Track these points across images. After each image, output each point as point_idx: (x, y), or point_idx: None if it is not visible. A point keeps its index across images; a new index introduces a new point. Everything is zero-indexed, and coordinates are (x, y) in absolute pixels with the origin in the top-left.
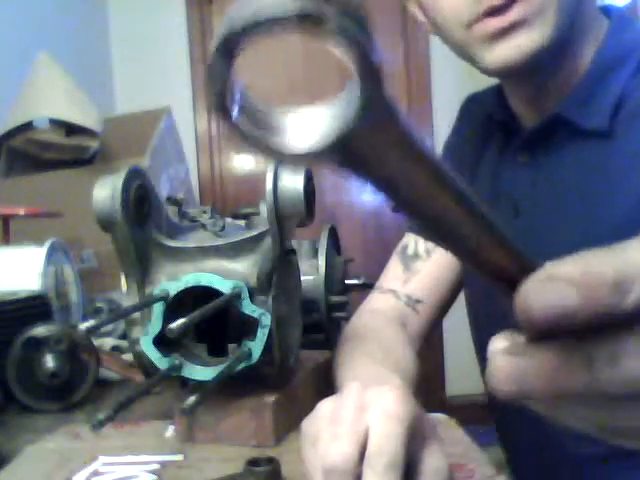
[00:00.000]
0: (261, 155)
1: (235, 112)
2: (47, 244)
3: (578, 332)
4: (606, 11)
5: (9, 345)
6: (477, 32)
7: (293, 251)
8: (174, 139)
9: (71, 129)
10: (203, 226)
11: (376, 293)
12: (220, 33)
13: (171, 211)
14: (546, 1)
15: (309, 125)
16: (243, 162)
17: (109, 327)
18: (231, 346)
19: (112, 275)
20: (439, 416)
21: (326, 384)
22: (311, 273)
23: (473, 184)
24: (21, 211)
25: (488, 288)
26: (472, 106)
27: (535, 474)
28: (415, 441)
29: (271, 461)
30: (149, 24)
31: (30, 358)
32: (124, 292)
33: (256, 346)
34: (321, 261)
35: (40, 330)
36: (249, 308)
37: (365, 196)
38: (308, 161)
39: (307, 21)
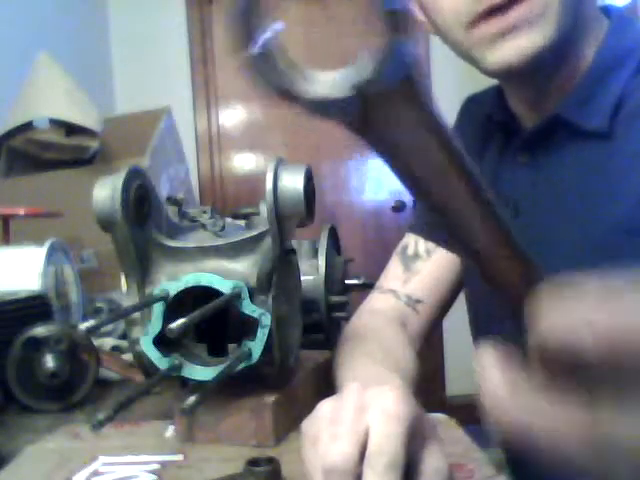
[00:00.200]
0: (274, 96)
1: (258, 46)
2: (47, 244)
3: (585, 367)
4: (606, 11)
5: (9, 345)
6: (478, 33)
7: (293, 251)
8: (174, 139)
9: (71, 129)
10: (203, 226)
11: (376, 293)
12: None
13: (171, 211)
14: (548, 1)
15: (330, 76)
16: (243, 162)
17: (109, 327)
18: (231, 346)
19: (112, 275)
20: (439, 416)
21: (326, 384)
22: (311, 273)
23: None
24: (21, 211)
25: (487, 290)
26: (472, 107)
27: (535, 474)
28: (415, 441)
29: (271, 461)
30: (149, 24)
31: (30, 358)
32: (124, 292)
33: (256, 346)
34: (321, 261)
35: (40, 330)
36: (249, 308)
37: (365, 196)
38: (323, 109)
39: None
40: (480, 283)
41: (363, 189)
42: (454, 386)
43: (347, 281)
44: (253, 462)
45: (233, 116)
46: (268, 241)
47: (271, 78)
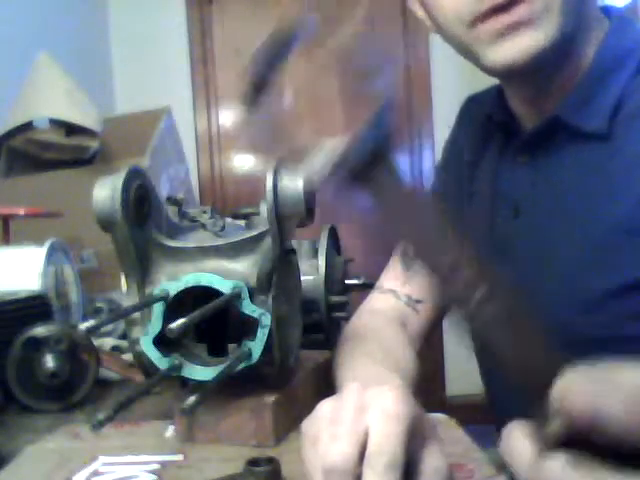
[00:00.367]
0: (261, 158)
1: (259, 111)
2: (47, 244)
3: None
4: (606, 11)
5: (9, 345)
6: (480, 31)
7: (293, 251)
8: (174, 139)
9: (71, 129)
10: (203, 226)
11: (376, 293)
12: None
13: (171, 211)
14: (551, 1)
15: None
16: (243, 162)
17: (109, 327)
18: (231, 346)
19: (112, 275)
20: (439, 416)
21: (326, 384)
22: (311, 273)
23: (473, 184)
24: (21, 211)
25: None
26: (472, 107)
27: None
28: (415, 441)
29: (271, 461)
30: (149, 24)
31: (30, 358)
32: (124, 292)
33: (256, 346)
34: (321, 261)
35: (40, 330)
36: (249, 308)
37: None
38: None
39: None
40: None
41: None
42: (454, 386)
43: (347, 281)
44: (253, 462)
45: (233, 116)
46: (268, 241)
47: (264, 144)
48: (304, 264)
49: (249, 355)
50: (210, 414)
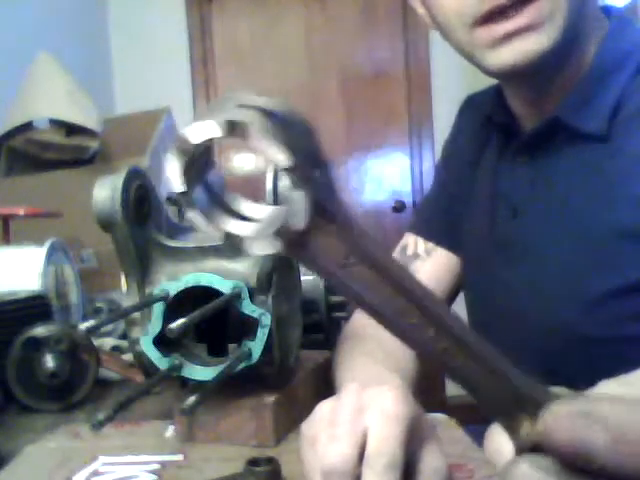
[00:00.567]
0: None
1: (198, 187)
2: (47, 244)
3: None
4: (606, 11)
5: (9, 345)
6: (481, 34)
7: None
8: (174, 139)
9: (71, 129)
10: None
11: None
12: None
13: (171, 211)
14: (555, 5)
15: (257, 215)
16: (243, 162)
17: (109, 327)
18: (231, 346)
19: (112, 275)
20: (439, 416)
21: (326, 384)
22: (311, 273)
23: (472, 184)
24: (21, 211)
25: (487, 291)
26: (472, 107)
27: None
28: (414, 441)
29: (271, 461)
30: (149, 24)
31: (30, 358)
32: (124, 292)
33: (256, 346)
34: None
35: (40, 330)
36: (249, 308)
37: (365, 196)
38: (248, 243)
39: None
40: (479, 286)
41: (363, 189)
42: (454, 386)
43: None
44: (253, 462)
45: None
46: None
47: (210, 216)
48: None
49: (249, 355)
50: (210, 414)
